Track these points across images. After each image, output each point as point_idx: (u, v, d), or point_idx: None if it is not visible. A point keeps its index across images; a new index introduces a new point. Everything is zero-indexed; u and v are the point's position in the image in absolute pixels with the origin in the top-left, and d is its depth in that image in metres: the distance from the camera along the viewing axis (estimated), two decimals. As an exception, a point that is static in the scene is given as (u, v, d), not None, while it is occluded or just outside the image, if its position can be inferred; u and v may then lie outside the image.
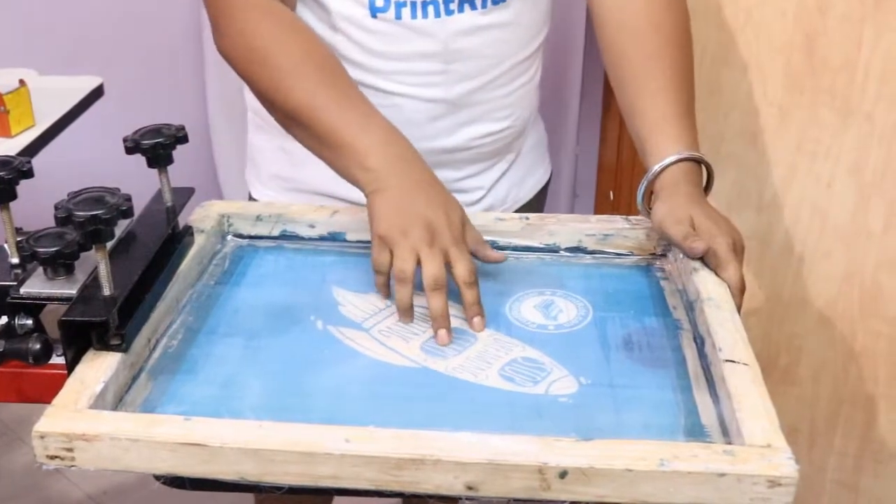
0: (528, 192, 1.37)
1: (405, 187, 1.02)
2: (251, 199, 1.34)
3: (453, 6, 1.16)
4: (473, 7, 1.17)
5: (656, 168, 1.10)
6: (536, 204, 1.39)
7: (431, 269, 0.97)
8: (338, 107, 1.07)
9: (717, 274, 1.01)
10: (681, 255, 1.07)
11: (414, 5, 1.14)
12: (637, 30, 1.17)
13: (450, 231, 1.00)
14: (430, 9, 1.15)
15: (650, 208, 1.10)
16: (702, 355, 0.94)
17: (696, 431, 0.84)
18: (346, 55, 1.18)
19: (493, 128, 1.25)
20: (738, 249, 1.03)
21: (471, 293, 0.98)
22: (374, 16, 1.15)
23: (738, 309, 0.98)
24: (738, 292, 1.00)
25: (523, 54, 1.24)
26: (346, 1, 1.15)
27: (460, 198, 1.22)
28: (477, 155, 1.27)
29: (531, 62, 1.27)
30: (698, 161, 1.11)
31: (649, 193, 1.11)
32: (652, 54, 1.16)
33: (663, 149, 1.11)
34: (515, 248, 1.13)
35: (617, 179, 1.92)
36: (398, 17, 1.15)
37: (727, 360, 0.87)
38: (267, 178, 1.33)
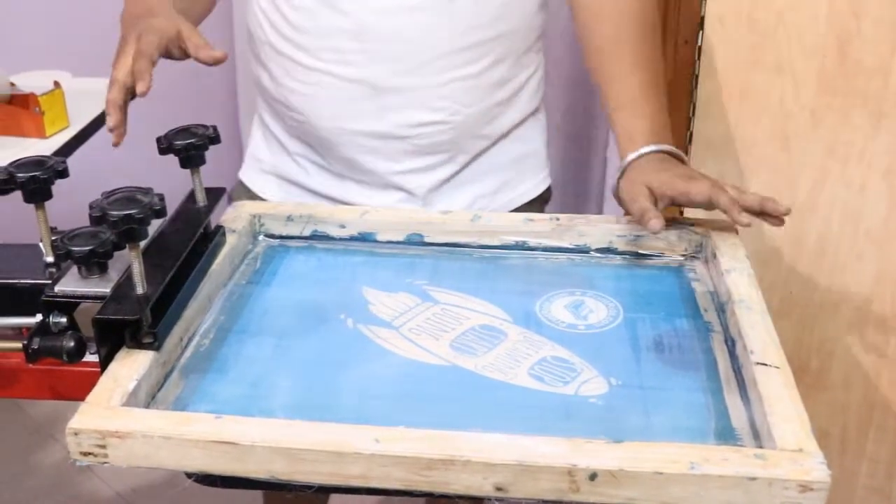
0: (503, 206, 1.32)
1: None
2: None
3: None
4: None
5: (623, 164, 1.15)
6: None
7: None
8: None
9: (696, 203, 1.06)
10: (713, 257, 1.07)
11: None
12: (600, 14, 1.20)
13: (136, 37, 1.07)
14: None
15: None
16: (733, 358, 0.93)
17: (726, 434, 0.83)
18: (284, 32, 1.21)
19: (425, 118, 1.22)
20: (697, 175, 1.08)
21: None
22: None
23: (738, 211, 1.03)
24: (723, 200, 1.04)
25: (460, 44, 1.20)
26: None
27: (401, 196, 1.26)
28: (414, 147, 1.24)
29: (474, 55, 1.21)
30: (667, 152, 1.14)
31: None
32: (615, 38, 1.19)
33: (630, 140, 1.15)
34: (546, 249, 1.13)
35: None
36: None
37: (759, 363, 0.87)
38: (248, 158, 1.38)
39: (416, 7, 1.16)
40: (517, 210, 1.32)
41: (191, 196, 1.06)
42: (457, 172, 1.28)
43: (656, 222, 1.03)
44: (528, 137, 1.34)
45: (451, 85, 1.21)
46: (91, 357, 0.89)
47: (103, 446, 0.79)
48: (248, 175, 1.37)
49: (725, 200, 1.03)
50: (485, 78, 1.23)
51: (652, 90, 1.18)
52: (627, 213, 1.11)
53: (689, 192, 1.06)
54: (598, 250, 1.12)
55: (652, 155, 1.13)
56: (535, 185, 1.36)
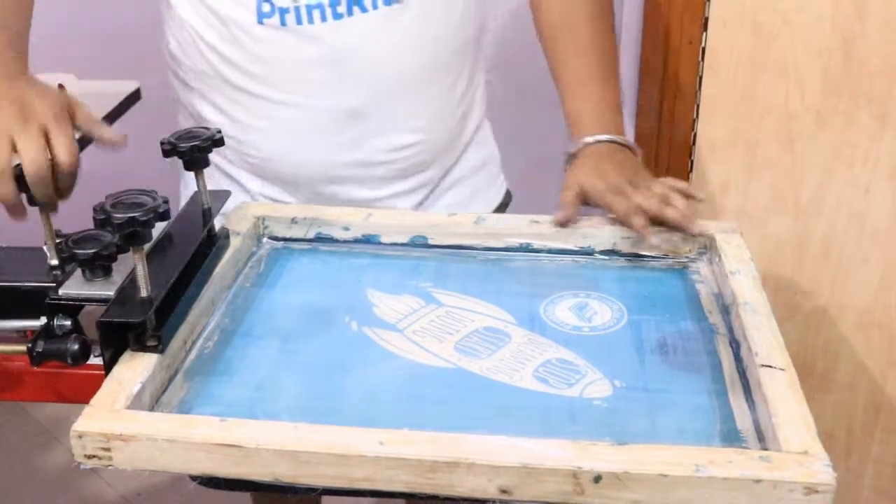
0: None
1: (4, 76, 0.96)
2: None
3: (341, 9, 1.13)
4: (363, 9, 1.13)
5: (571, 149, 1.18)
6: None
7: (29, 154, 0.88)
8: None
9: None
10: (718, 259, 1.06)
11: (298, 10, 1.12)
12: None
13: (47, 106, 0.91)
14: (316, 13, 1.12)
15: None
16: (738, 360, 0.93)
17: (731, 437, 0.83)
18: (241, 65, 1.17)
19: (405, 140, 1.22)
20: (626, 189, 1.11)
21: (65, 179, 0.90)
22: (260, 21, 1.13)
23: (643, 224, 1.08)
24: (634, 224, 1.09)
25: (430, 63, 1.20)
26: (237, 8, 1.13)
27: None
28: (393, 172, 1.24)
29: (442, 72, 1.22)
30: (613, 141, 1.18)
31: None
32: (565, 24, 1.22)
33: (578, 125, 1.19)
34: (550, 251, 1.13)
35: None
36: (283, 23, 1.13)
37: (763, 365, 0.87)
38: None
39: (388, 26, 1.15)
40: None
41: (195, 198, 1.06)
42: (432, 190, 1.29)
43: (561, 216, 1.12)
44: (484, 142, 1.36)
45: (427, 104, 1.22)
46: (95, 360, 0.89)
47: (108, 449, 0.79)
48: None
49: (636, 225, 1.09)
50: (451, 93, 1.25)
51: (599, 70, 1.21)
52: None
53: (611, 209, 1.12)
54: (603, 252, 1.12)
55: (597, 147, 1.17)
56: (497, 193, 1.38)
